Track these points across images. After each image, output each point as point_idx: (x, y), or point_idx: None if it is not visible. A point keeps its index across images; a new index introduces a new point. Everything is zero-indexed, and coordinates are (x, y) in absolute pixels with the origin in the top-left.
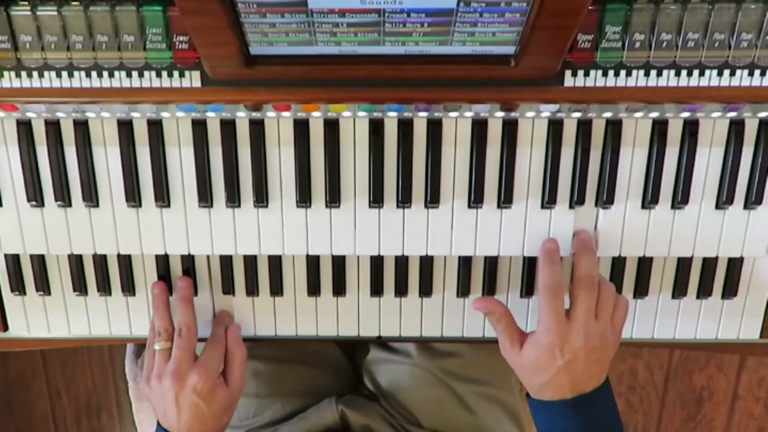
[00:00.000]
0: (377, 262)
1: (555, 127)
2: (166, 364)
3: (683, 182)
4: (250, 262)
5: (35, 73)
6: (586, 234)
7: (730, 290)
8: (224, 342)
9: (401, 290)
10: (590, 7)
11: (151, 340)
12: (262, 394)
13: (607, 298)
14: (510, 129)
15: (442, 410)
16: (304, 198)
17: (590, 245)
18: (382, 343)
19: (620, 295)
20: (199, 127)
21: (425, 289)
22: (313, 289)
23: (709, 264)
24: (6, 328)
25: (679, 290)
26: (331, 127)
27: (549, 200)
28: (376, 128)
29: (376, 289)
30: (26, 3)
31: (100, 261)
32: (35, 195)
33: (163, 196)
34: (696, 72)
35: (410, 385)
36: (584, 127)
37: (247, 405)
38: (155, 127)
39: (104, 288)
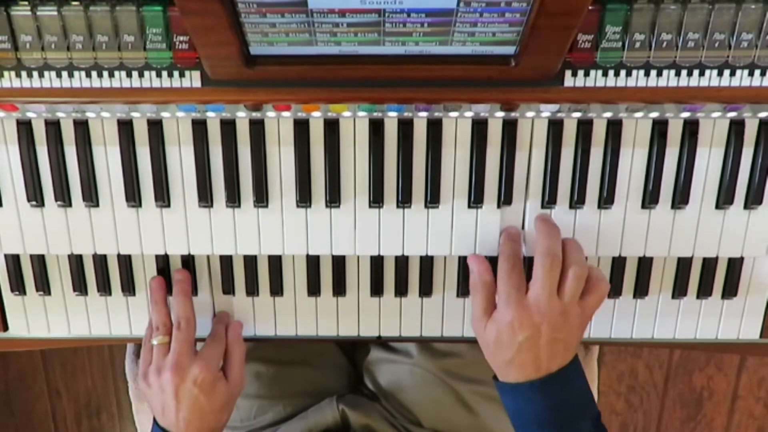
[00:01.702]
0: (377, 262)
1: (555, 128)
2: (165, 358)
3: (683, 182)
4: (250, 262)
5: (35, 73)
6: (546, 217)
7: (730, 290)
8: (224, 339)
9: (401, 290)
10: (590, 7)
11: (147, 336)
12: (264, 396)
13: (572, 277)
14: (510, 129)
15: (443, 410)
16: (304, 198)
17: (552, 225)
18: (383, 343)
19: (601, 280)
20: (199, 127)
21: (425, 289)
22: (313, 289)
23: (709, 264)
24: (6, 328)
25: (679, 290)
26: (331, 127)
27: (549, 200)
28: (376, 128)
29: (376, 289)
30: (26, 3)
31: (100, 261)
32: (35, 195)
33: (163, 196)
34: (696, 72)
35: (411, 384)
36: (584, 128)
37: (248, 406)
38: (155, 127)
39: (104, 288)
